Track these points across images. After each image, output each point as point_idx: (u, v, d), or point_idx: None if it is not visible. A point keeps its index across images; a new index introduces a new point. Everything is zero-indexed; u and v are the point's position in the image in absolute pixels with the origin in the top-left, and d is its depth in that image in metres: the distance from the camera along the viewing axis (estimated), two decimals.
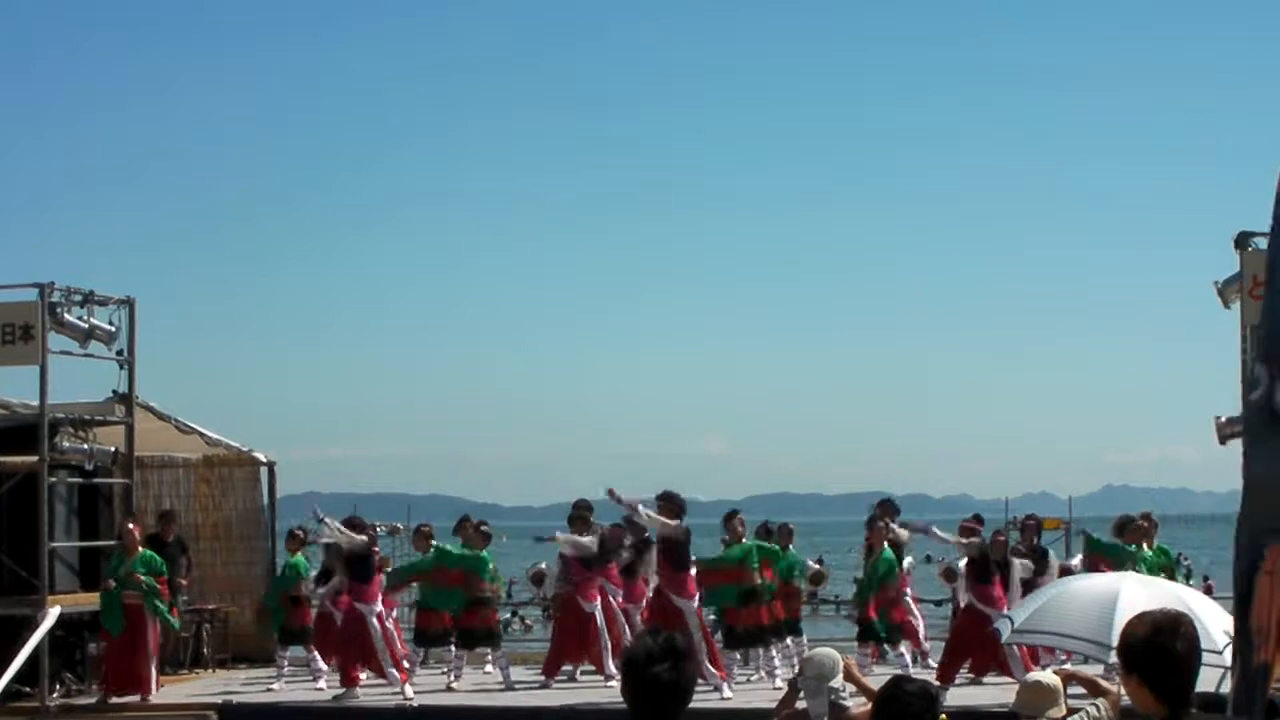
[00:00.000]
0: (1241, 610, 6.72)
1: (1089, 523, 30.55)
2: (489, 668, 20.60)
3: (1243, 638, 6.72)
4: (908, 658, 19.80)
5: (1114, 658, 9.37)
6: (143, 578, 19.27)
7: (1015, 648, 17.81)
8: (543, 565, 20.77)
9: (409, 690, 18.97)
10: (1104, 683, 8.90)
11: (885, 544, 19.71)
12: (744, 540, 19.59)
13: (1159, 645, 5.40)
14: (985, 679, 18.78)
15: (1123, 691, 9.47)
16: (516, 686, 19.66)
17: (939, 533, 20.28)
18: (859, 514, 22.07)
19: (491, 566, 19.99)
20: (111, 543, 20.55)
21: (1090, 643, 9.64)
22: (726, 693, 18.36)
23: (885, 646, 19.92)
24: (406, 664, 19.74)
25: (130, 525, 20.05)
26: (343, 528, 19.80)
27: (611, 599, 20.10)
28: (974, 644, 18.38)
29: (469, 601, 19.70)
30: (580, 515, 20.26)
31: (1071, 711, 8.93)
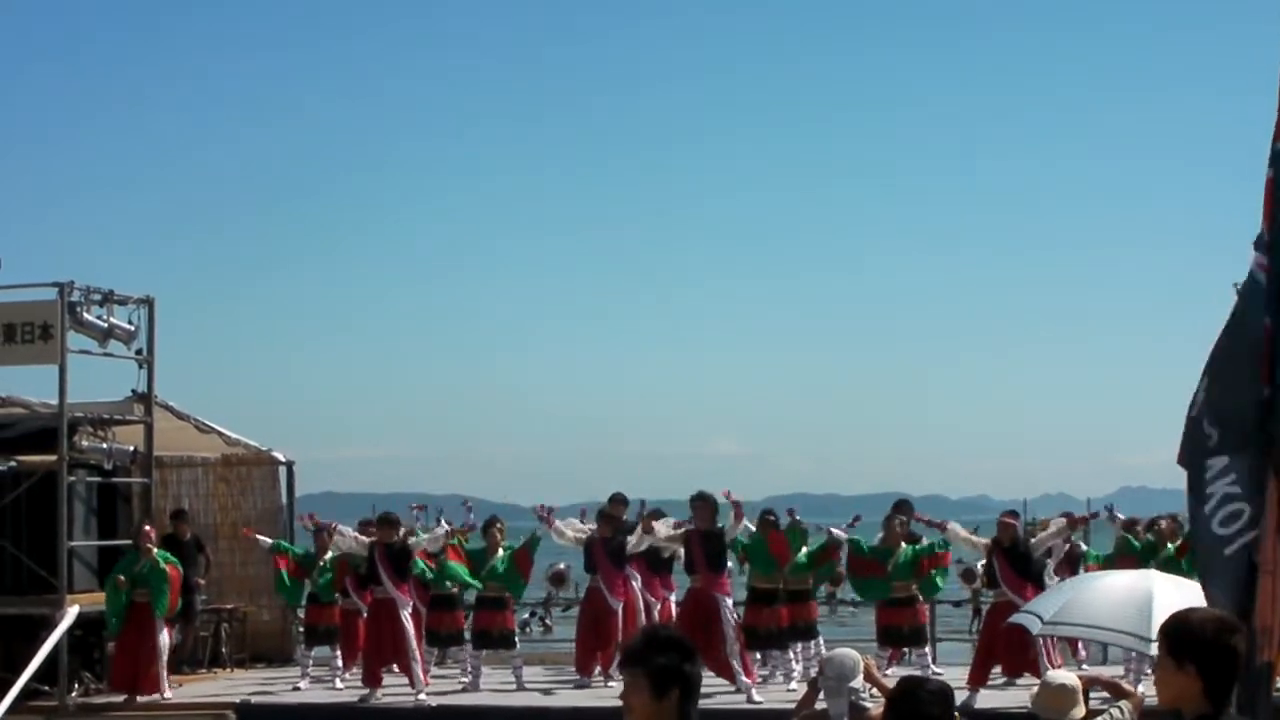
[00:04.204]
0: (1243, 611, 6.78)
1: (1106, 524, 30.41)
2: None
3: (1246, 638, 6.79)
4: (929, 658, 19.76)
5: (1155, 650, 9.39)
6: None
7: (1044, 650, 17.71)
8: (562, 565, 20.77)
9: (423, 695, 19.01)
10: (1126, 685, 8.88)
11: (903, 544, 19.65)
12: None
13: (1224, 644, 5.41)
14: (1018, 681, 18.64)
15: (1144, 694, 9.47)
16: (538, 687, 19.68)
17: (958, 530, 20.00)
18: (876, 515, 21.97)
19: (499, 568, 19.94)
20: (131, 542, 20.67)
21: (1130, 635, 9.62)
22: (756, 696, 18.31)
23: (905, 648, 19.89)
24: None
25: (146, 526, 20.18)
26: (357, 535, 19.99)
27: (636, 594, 20.13)
28: (1004, 644, 18.15)
29: (484, 602, 19.72)
30: (615, 507, 20.33)
31: (1093, 714, 8.91)
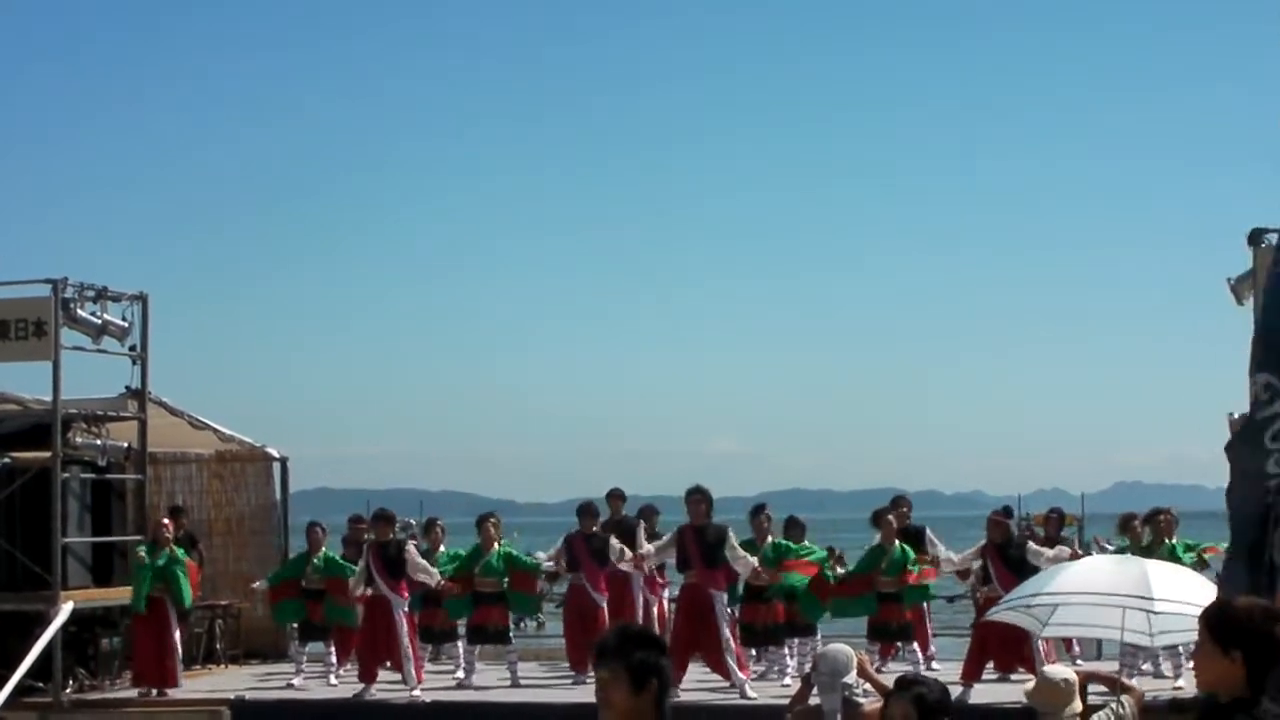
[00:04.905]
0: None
1: (1102, 520, 30.48)
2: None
3: None
4: (918, 655, 19.73)
5: (1159, 607, 9.41)
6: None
7: (1040, 646, 17.67)
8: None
9: (418, 691, 19.01)
10: (1127, 680, 8.89)
11: (897, 542, 19.59)
12: (769, 537, 19.55)
13: (1268, 632, 5.50)
14: (1012, 676, 18.61)
15: (1143, 690, 9.46)
16: (533, 683, 19.68)
17: (952, 559, 19.85)
18: (868, 511, 21.94)
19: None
20: (126, 538, 20.68)
21: (1131, 597, 9.65)
22: (750, 692, 18.29)
23: (898, 643, 19.87)
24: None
25: (165, 520, 20.32)
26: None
27: (635, 588, 20.08)
28: (997, 639, 18.10)
29: (480, 598, 19.69)
30: (613, 503, 20.37)
31: (1091, 709, 8.91)
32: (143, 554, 19.80)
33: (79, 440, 20.38)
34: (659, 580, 21.07)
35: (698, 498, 18.82)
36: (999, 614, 11.72)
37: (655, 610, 20.71)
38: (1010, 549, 18.59)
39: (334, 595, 20.37)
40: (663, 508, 21.82)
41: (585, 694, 18.59)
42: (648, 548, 19.71)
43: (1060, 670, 9.57)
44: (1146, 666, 18.84)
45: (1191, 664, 17.86)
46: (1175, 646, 16.92)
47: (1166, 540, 19.30)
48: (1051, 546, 19.87)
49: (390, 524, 19.93)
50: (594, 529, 19.88)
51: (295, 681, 20.28)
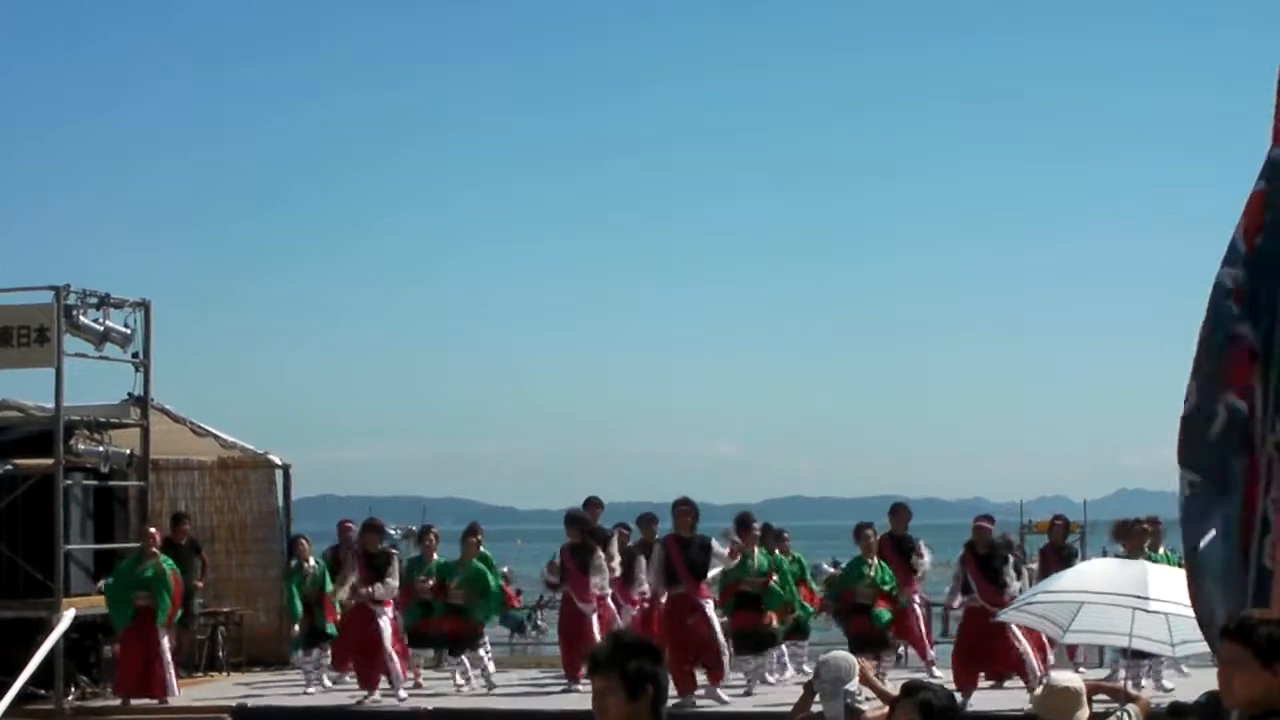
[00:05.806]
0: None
1: (1103, 527, 30.49)
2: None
3: None
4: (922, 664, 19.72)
5: (1154, 607, 9.40)
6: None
7: (1029, 651, 17.63)
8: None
9: (403, 694, 19.08)
10: (1133, 690, 8.88)
11: (875, 556, 19.50)
12: (756, 547, 19.50)
13: None
14: (1005, 684, 18.58)
15: (1149, 699, 9.45)
16: (533, 690, 19.72)
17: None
18: (873, 517, 21.95)
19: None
20: (128, 545, 20.67)
21: (1127, 595, 9.65)
22: (724, 697, 18.28)
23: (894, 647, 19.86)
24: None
25: (152, 529, 20.23)
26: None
27: (609, 602, 20.08)
28: (981, 646, 17.99)
29: (450, 609, 19.65)
30: (591, 510, 20.44)
31: (1096, 717, 8.90)
32: (108, 583, 19.78)
33: (81, 447, 20.39)
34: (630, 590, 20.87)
35: (685, 509, 18.96)
36: (1009, 615, 11.72)
37: (631, 620, 20.61)
38: (994, 556, 18.31)
39: (319, 607, 20.50)
40: (664, 515, 21.81)
41: (578, 701, 18.61)
42: (652, 577, 19.65)
43: (1068, 677, 9.54)
44: (1167, 681, 18.54)
45: (1189, 674, 17.90)
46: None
47: (1148, 551, 19.12)
48: (1058, 554, 19.80)
49: (379, 534, 19.97)
50: (580, 539, 19.88)
51: (310, 689, 20.16)
